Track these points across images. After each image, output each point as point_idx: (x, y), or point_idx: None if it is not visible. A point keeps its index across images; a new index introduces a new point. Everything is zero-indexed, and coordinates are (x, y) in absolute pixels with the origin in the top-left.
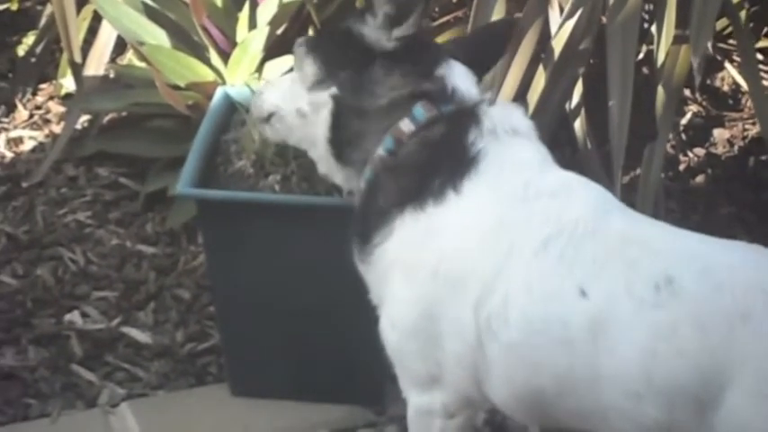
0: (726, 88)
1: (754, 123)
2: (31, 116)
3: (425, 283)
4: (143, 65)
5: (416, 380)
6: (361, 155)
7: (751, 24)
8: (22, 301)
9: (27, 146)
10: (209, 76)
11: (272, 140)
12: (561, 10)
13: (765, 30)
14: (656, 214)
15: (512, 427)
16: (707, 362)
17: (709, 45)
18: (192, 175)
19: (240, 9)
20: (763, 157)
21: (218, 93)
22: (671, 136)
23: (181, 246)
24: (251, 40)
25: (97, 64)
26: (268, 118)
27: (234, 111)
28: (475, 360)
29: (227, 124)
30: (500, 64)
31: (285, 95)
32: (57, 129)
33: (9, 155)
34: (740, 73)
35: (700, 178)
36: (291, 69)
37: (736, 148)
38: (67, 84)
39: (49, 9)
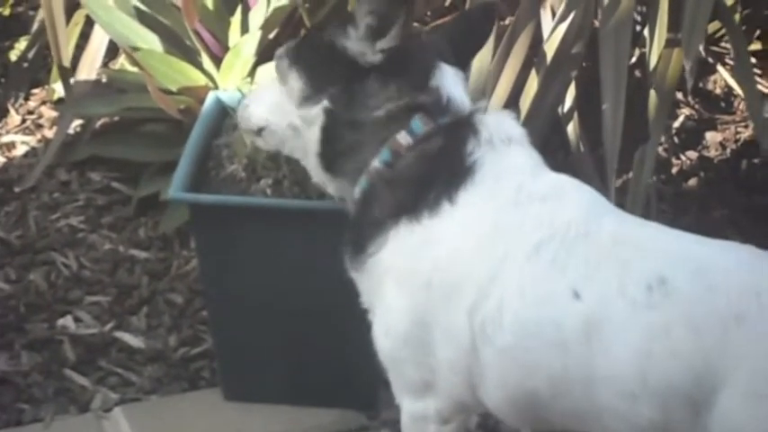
0: (718, 91)
1: (746, 126)
2: (24, 121)
3: (419, 292)
4: (135, 69)
5: (410, 386)
6: (356, 165)
7: (743, 27)
8: (15, 305)
9: (19, 151)
10: (201, 80)
11: (265, 150)
12: (554, 13)
13: (757, 33)
14: (647, 217)
15: (504, 431)
16: (700, 363)
17: (702, 48)
18: (185, 180)
19: (232, 13)
20: (756, 160)
21: (210, 97)
22: (663, 139)
23: (173, 250)
24: (243, 45)
25: (89, 68)
26: (258, 132)
27: (226, 115)
28: (469, 365)
29: (219, 129)
30: (493, 68)
31: (274, 109)
32: (49, 133)
33: (1, 160)
34: (733, 76)
35: (692, 181)
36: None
37: (728, 151)
38: (60, 89)
39: (41, 14)
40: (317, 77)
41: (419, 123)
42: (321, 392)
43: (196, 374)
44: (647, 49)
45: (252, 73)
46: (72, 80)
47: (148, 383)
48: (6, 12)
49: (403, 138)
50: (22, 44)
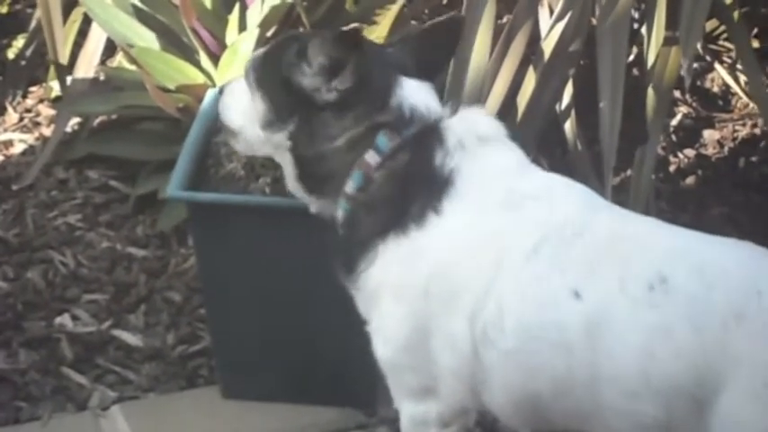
0: (716, 89)
1: (744, 124)
2: (21, 119)
3: (416, 301)
4: (133, 67)
5: (410, 392)
6: (333, 188)
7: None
8: (13, 304)
9: (17, 149)
10: (199, 78)
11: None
12: (551, 11)
13: (755, 31)
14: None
15: (503, 427)
16: (702, 362)
17: (699, 46)
18: (183, 178)
19: (230, 11)
20: (753, 158)
21: (209, 95)
22: (661, 137)
23: (171, 248)
24: (241, 43)
25: (87, 66)
26: (235, 134)
27: None
28: (471, 371)
29: (217, 127)
30: (490, 65)
31: (246, 117)
32: (47, 131)
33: None
34: (730, 74)
35: (690, 179)
36: None
37: (726, 149)
38: (57, 87)
39: (38, 12)
40: (279, 106)
41: (384, 140)
42: (319, 390)
43: (194, 372)
44: (644, 48)
45: None
46: (69, 78)
47: (146, 381)
48: (4, 9)
49: (371, 157)
50: (19, 42)
